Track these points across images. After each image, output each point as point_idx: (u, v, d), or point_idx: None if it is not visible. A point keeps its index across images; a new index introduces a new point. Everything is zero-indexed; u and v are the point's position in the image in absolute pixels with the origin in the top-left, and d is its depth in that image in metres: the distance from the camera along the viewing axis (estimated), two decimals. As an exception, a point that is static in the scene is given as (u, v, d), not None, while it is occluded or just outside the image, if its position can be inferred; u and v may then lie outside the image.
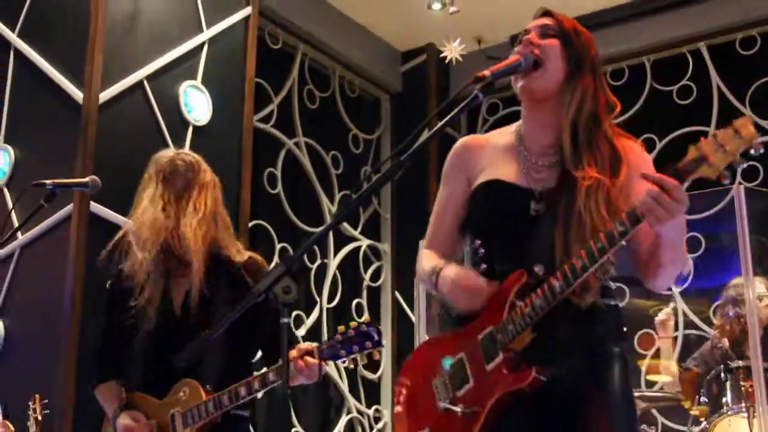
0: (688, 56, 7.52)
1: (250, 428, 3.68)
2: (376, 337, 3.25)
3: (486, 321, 2.53)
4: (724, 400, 5.10)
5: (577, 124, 2.55)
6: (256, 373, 3.35)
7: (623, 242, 2.30)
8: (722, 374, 5.13)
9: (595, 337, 2.50)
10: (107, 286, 3.80)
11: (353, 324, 3.28)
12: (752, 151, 2.14)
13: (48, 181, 3.73)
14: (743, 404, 4.92)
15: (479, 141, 2.81)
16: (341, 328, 3.28)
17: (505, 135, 2.74)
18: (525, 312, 2.43)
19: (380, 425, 7.72)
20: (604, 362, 2.50)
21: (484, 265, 2.64)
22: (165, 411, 3.44)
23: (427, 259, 2.78)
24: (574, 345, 2.47)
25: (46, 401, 4.50)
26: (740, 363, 5.11)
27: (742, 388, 4.95)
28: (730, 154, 2.13)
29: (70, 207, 5.29)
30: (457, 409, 2.52)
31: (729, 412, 5.02)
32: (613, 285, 2.57)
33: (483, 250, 2.66)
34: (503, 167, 2.64)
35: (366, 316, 3.46)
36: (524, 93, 2.62)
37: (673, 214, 2.25)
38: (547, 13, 2.69)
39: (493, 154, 2.71)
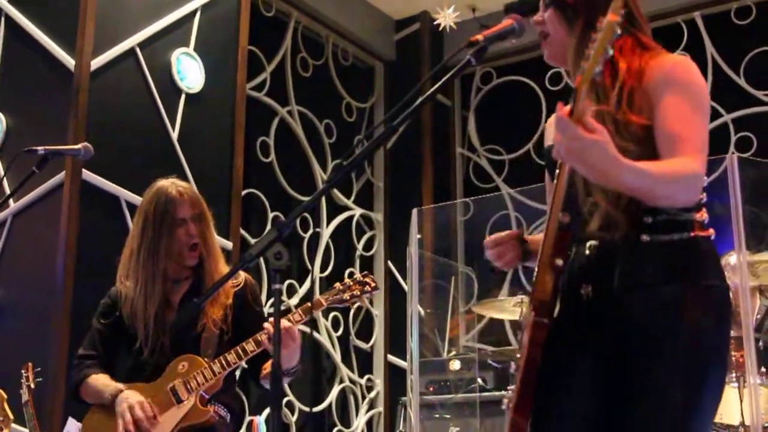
0: (683, 25, 7.50)
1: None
2: (373, 284, 3.51)
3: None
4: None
5: (576, 57, 2.50)
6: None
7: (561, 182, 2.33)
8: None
9: (663, 277, 2.34)
10: (107, 297, 3.79)
11: (351, 277, 3.59)
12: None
13: (40, 148, 3.71)
14: (733, 374, 4.92)
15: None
16: (338, 285, 3.53)
17: None
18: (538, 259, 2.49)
19: (372, 394, 7.74)
20: (675, 302, 2.32)
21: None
22: (161, 389, 3.43)
23: None
24: (634, 284, 2.35)
25: (39, 369, 4.50)
26: (732, 333, 5.11)
27: (733, 359, 4.96)
28: (598, 47, 2.05)
29: (62, 174, 5.27)
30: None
31: (720, 382, 5.02)
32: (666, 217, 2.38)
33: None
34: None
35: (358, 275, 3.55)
36: (550, 62, 2.69)
37: (556, 149, 2.11)
38: None
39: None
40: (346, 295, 3.48)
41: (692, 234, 2.37)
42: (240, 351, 3.39)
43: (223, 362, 3.38)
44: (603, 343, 2.39)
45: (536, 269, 2.44)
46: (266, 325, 3.29)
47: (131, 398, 3.39)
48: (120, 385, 3.48)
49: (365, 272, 3.61)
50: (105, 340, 3.67)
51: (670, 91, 2.34)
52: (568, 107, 2.09)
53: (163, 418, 3.38)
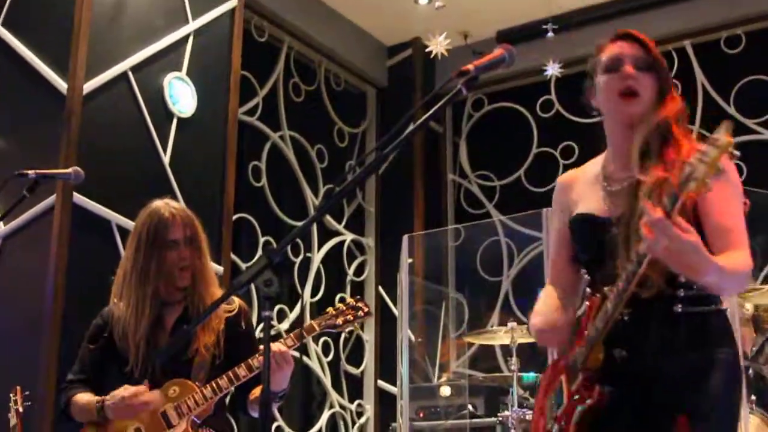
0: (674, 54, 7.54)
1: None
2: (366, 309, 3.53)
3: (575, 345, 2.70)
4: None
5: (649, 138, 2.64)
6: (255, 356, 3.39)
7: (641, 270, 2.40)
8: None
9: (689, 345, 2.55)
10: (99, 317, 3.77)
11: (344, 302, 3.59)
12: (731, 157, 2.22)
13: (31, 171, 3.70)
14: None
15: (571, 177, 2.95)
16: (330, 309, 3.54)
17: (594, 165, 2.89)
18: (589, 335, 2.61)
19: (363, 420, 7.72)
20: (702, 367, 2.54)
21: (587, 289, 2.76)
22: (151, 413, 3.40)
23: (538, 302, 2.91)
24: (667, 350, 2.56)
25: (28, 393, 4.47)
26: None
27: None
28: (709, 164, 2.18)
29: (52, 198, 5.26)
30: (555, 429, 2.69)
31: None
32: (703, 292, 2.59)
33: (587, 277, 2.79)
34: (588, 200, 2.78)
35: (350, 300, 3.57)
36: (621, 115, 2.71)
37: (653, 245, 2.27)
38: (630, 37, 2.78)
39: (581, 188, 2.86)
40: (339, 320, 3.48)
41: (715, 308, 2.60)
42: (232, 376, 3.38)
43: (215, 387, 3.36)
44: (636, 404, 2.57)
45: (583, 341, 2.63)
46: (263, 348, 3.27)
47: (116, 394, 3.39)
48: (101, 397, 3.46)
49: (358, 297, 3.61)
50: (94, 363, 3.65)
51: (717, 185, 2.42)
52: (659, 209, 2.25)
53: None
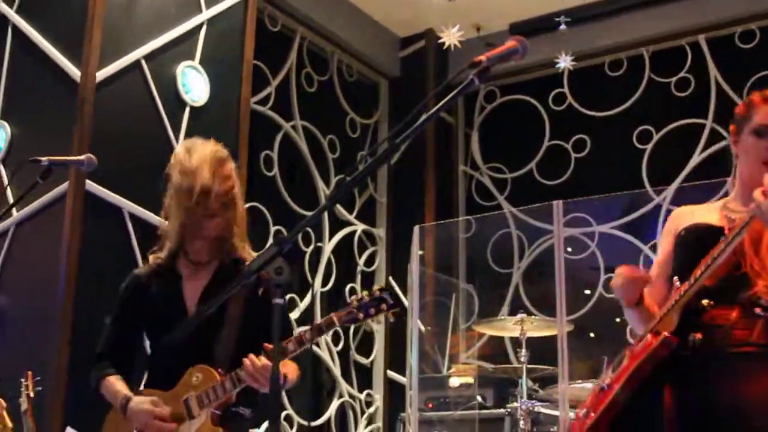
0: (687, 48, 7.52)
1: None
2: (391, 301, 3.31)
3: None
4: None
5: None
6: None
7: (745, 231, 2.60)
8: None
9: (763, 340, 2.67)
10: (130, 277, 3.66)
11: (368, 292, 3.34)
12: None
13: (44, 158, 3.71)
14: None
15: (690, 208, 3.08)
16: (354, 298, 3.32)
17: (712, 203, 3.04)
18: (671, 301, 2.74)
19: (372, 410, 7.74)
20: (759, 365, 2.66)
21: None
22: (176, 399, 3.35)
23: None
24: (740, 344, 2.68)
25: (39, 378, 4.50)
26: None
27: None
28: None
29: (65, 185, 5.28)
30: (604, 385, 2.80)
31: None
32: None
33: (678, 284, 2.81)
34: (703, 217, 2.92)
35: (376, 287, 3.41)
36: (757, 179, 2.71)
37: (764, 206, 2.46)
38: None
39: (698, 214, 2.98)
40: (360, 314, 3.30)
41: None
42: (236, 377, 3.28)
43: (235, 379, 3.26)
44: (697, 389, 2.69)
45: (666, 309, 2.74)
46: (246, 361, 3.19)
47: (142, 409, 3.34)
48: (128, 393, 3.43)
49: (382, 287, 3.37)
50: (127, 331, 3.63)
51: None
52: None
53: None
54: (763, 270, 2.62)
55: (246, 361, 3.18)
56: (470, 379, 6.47)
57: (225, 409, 3.34)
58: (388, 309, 3.31)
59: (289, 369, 3.38)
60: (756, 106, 2.85)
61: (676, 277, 2.83)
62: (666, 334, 2.68)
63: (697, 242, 2.82)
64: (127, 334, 3.62)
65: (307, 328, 3.34)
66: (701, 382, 2.67)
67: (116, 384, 3.49)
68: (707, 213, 2.93)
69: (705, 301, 2.70)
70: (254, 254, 3.57)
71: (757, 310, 2.65)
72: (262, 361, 3.16)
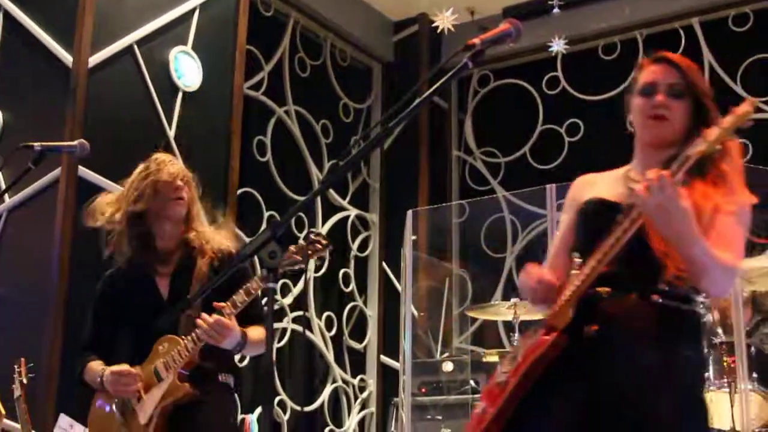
0: (681, 32, 7.51)
1: (236, 398, 3.80)
2: (324, 241, 3.45)
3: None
4: (706, 375, 5.13)
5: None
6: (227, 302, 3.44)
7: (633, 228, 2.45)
8: (705, 349, 5.16)
9: (658, 335, 2.57)
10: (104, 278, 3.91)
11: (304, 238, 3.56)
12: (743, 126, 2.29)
13: (36, 144, 3.70)
14: (725, 380, 4.94)
15: (592, 177, 2.98)
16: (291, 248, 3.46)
17: (615, 171, 2.92)
18: (567, 293, 2.61)
19: (365, 395, 7.75)
20: (666, 362, 2.55)
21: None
22: (149, 370, 3.55)
23: None
24: (635, 337, 2.56)
25: (32, 365, 4.51)
26: (723, 338, 5.13)
27: (725, 364, 4.98)
28: (724, 128, 2.28)
29: (58, 171, 5.28)
30: (501, 379, 2.70)
31: (711, 388, 5.05)
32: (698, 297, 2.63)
33: (579, 260, 2.73)
34: (604, 190, 2.82)
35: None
36: (649, 137, 2.77)
37: (649, 200, 2.33)
38: (667, 61, 2.80)
39: (600, 185, 2.89)
40: (299, 257, 3.44)
41: (692, 308, 2.62)
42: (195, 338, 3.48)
43: (194, 337, 3.45)
44: (590, 382, 2.57)
45: (559, 304, 2.63)
46: (198, 321, 3.38)
47: (109, 372, 3.54)
48: (104, 368, 3.61)
49: (315, 231, 3.60)
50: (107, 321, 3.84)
51: (730, 209, 2.56)
52: (667, 171, 2.33)
53: (146, 396, 3.52)
54: (670, 251, 2.48)
55: (198, 321, 3.39)
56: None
57: (193, 370, 3.52)
58: (324, 249, 3.44)
59: (253, 332, 3.50)
60: (643, 69, 2.82)
61: (576, 256, 2.73)
62: (555, 336, 2.57)
63: (595, 219, 2.73)
64: (107, 329, 3.80)
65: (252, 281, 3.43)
66: (596, 377, 2.57)
67: (94, 365, 3.66)
68: (610, 183, 2.84)
69: (601, 289, 2.57)
70: (220, 234, 3.79)
71: (655, 298, 2.55)
72: (214, 317, 3.37)
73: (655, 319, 2.55)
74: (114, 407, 3.60)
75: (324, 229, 7.58)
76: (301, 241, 3.54)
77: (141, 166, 3.81)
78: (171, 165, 3.76)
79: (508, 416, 2.62)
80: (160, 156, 3.82)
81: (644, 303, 2.55)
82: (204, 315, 3.38)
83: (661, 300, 2.55)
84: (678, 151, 2.57)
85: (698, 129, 2.61)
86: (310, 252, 3.44)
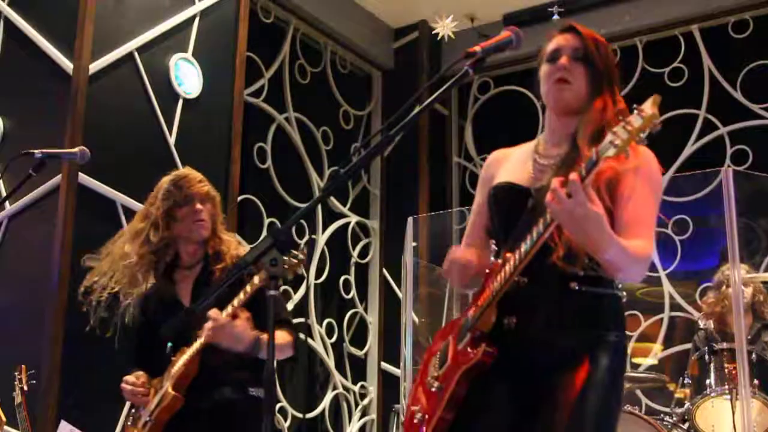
0: (681, 38, 7.52)
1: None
2: (302, 256, 3.34)
3: (472, 306, 2.67)
4: (707, 381, 5.13)
5: (592, 138, 2.61)
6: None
7: (546, 234, 2.40)
8: (706, 356, 5.16)
9: (580, 322, 2.56)
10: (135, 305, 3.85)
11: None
12: (652, 131, 2.19)
13: (37, 151, 3.71)
14: (726, 386, 4.94)
15: (504, 153, 3.01)
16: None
17: (526, 145, 2.93)
18: (486, 295, 2.59)
19: (366, 401, 7.74)
20: (588, 346, 2.55)
21: (492, 259, 2.76)
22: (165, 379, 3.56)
23: None
24: (555, 325, 2.56)
25: (32, 372, 4.51)
26: (724, 345, 5.13)
27: (726, 371, 4.98)
28: (632, 133, 2.17)
29: (58, 178, 5.28)
30: (434, 387, 2.69)
31: (712, 394, 5.05)
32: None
33: (495, 248, 2.77)
34: (514, 172, 2.80)
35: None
36: (553, 101, 2.76)
37: (558, 208, 2.28)
38: (572, 30, 2.81)
39: (511, 162, 2.89)
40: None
41: (611, 291, 2.61)
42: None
43: (190, 351, 3.46)
44: (517, 374, 2.58)
45: (479, 304, 2.62)
46: (207, 325, 3.34)
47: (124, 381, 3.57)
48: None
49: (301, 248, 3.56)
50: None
51: (639, 179, 2.55)
52: (575, 174, 2.24)
53: (151, 404, 3.54)
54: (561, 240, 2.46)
55: (208, 324, 3.35)
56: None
57: (209, 379, 3.50)
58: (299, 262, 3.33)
59: (277, 336, 3.46)
60: (550, 40, 2.84)
61: (492, 242, 2.76)
62: (484, 349, 2.55)
63: (505, 205, 2.74)
64: (146, 347, 3.77)
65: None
66: (519, 366, 2.57)
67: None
68: (520, 161, 2.83)
69: (519, 279, 2.54)
70: (236, 241, 3.81)
71: (573, 285, 2.54)
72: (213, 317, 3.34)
73: (575, 305, 2.55)
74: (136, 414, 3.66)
75: (324, 236, 7.59)
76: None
77: (159, 193, 3.74)
78: (189, 186, 3.72)
79: (450, 420, 2.63)
80: (179, 175, 3.79)
81: (562, 291, 2.54)
82: (211, 313, 3.35)
83: (578, 287, 2.54)
84: (579, 121, 2.64)
85: (596, 96, 2.66)
86: (286, 267, 3.42)
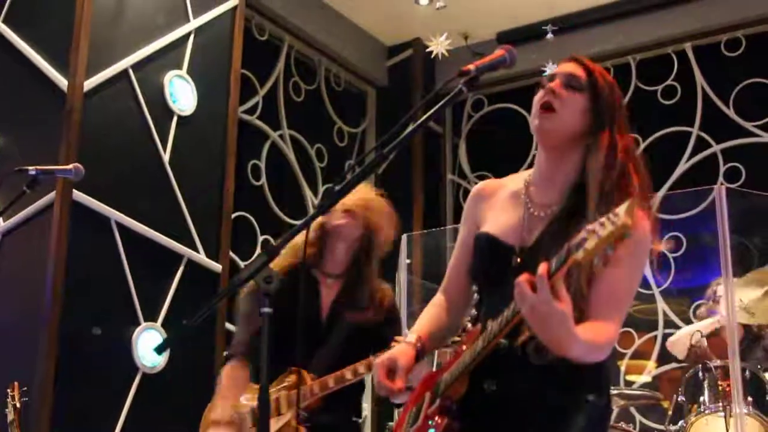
0: (674, 56, 7.55)
1: None
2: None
3: (450, 365, 2.57)
4: (701, 399, 5.13)
5: (603, 183, 2.44)
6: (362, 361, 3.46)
7: (513, 322, 2.28)
8: (700, 373, 5.16)
9: (562, 384, 2.44)
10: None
11: None
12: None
13: (31, 168, 3.71)
14: (720, 404, 4.94)
15: (492, 188, 2.78)
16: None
17: (517, 181, 2.71)
18: (460, 361, 2.48)
19: (360, 420, 7.70)
20: (571, 410, 2.46)
21: (474, 312, 2.66)
22: (272, 395, 3.48)
23: (421, 315, 2.85)
24: (538, 390, 2.45)
25: (25, 389, 4.49)
26: (718, 362, 5.13)
27: (720, 388, 4.98)
28: (603, 240, 2.00)
29: (52, 194, 5.26)
30: None
31: (706, 412, 5.05)
32: None
33: (477, 296, 2.68)
34: (499, 218, 2.63)
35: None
36: (536, 131, 2.57)
37: (524, 307, 2.15)
38: (576, 60, 2.62)
39: (500, 202, 2.70)
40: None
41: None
42: (339, 377, 3.47)
43: (323, 384, 3.45)
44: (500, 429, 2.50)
45: (450, 372, 2.52)
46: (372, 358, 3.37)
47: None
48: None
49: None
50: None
51: (628, 251, 2.30)
52: (544, 267, 2.09)
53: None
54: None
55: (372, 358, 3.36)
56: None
57: (312, 413, 3.48)
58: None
59: None
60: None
61: (476, 289, 2.66)
62: (449, 424, 2.46)
63: (488, 260, 2.59)
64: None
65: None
66: (503, 427, 2.49)
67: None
68: (510, 206, 2.63)
69: (501, 342, 2.39)
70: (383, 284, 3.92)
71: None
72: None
73: (556, 370, 2.36)
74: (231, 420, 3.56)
75: (318, 253, 7.57)
76: None
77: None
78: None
79: None
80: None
81: (541, 353, 2.34)
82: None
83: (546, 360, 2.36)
84: (572, 155, 2.50)
85: (594, 135, 2.47)
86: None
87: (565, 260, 2.07)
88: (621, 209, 1.98)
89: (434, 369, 2.74)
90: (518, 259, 2.49)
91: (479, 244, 2.63)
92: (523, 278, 2.13)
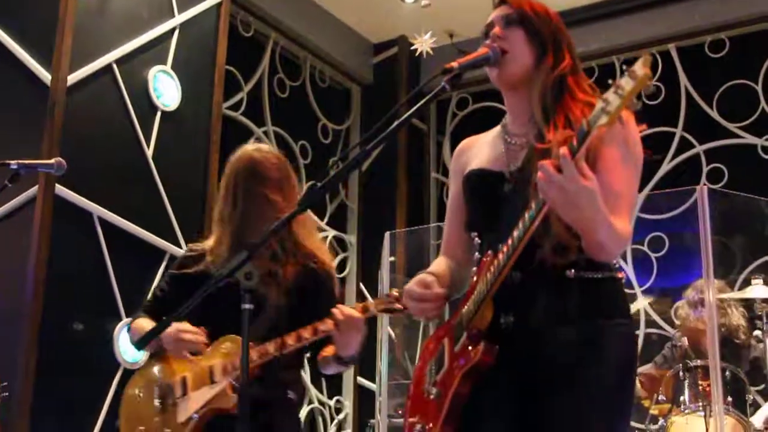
0: (658, 57, 7.57)
1: (299, 418, 3.67)
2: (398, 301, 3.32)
3: (464, 304, 2.54)
4: (681, 398, 5.15)
5: (545, 98, 2.53)
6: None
7: (539, 217, 2.25)
8: (681, 373, 5.19)
9: (581, 313, 2.41)
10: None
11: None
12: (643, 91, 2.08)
13: (13, 162, 3.69)
14: (700, 404, 4.97)
15: (471, 141, 2.86)
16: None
17: (494, 129, 2.78)
18: (479, 290, 2.45)
19: (341, 416, 7.73)
20: (594, 337, 2.40)
21: (477, 254, 2.61)
22: (200, 364, 3.35)
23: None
24: (556, 318, 2.41)
25: (5, 384, 4.47)
26: (699, 362, 5.16)
27: (700, 387, 5.01)
28: (624, 97, 2.05)
29: (35, 189, 5.25)
30: (432, 394, 2.55)
31: (686, 411, 5.07)
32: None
33: (478, 241, 2.63)
34: (486, 156, 2.67)
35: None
36: (497, 82, 2.62)
37: (548, 185, 2.14)
38: (503, 2, 2.70)
39: (480, 148, 2.75)
40: (398, 305, 3.35)
41: (609, 274, 2.46)
42: (281, 343, 3.26)
43: (263, 352, 3.24)
44: (519, 374, 2.44)
45: (471, 301, 2.48)
46: (334, 311, 3.25)
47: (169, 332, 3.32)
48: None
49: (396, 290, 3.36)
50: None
51: (615, 146, 2.41)
52: (565, 148, 2.10)
53: (193, 395, 3.32)
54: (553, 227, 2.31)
55: (335, 311, 3.25)
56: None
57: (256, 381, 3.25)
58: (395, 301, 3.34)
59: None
60: None
61: (474, 235, 2.62)
62: (486, 347, 2.40)
63: (481, 192, 2.60)
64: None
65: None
66: (521, 369, 2.42)
67: (147, 321, 3.52)
68: (490, 145, 2.69)
69: (512, 274, 2.38)
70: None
71: (569, 273, 2.38)
72: (349, 311, 3.28)
73: (573, 294, 2.39)
74: (155, 393, 3.41)
75: (302, 250, 7.57)
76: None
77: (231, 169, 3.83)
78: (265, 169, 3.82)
79: (455, 428, 2.48)
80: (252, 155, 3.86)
81: (559, 281, 2.38)
82: (340, 306, 3.26)
83: (575, 274, 2.39)
84: (530, 85, 2.54)
85: (543, 60, 2.55)
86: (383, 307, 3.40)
87: (587, 133, 2.08)
88: (637, 65, 2.04)
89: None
90: (509, 185, 2.50)
91: (470, 181, 2.66)
92: (546, 162, 2.13)
